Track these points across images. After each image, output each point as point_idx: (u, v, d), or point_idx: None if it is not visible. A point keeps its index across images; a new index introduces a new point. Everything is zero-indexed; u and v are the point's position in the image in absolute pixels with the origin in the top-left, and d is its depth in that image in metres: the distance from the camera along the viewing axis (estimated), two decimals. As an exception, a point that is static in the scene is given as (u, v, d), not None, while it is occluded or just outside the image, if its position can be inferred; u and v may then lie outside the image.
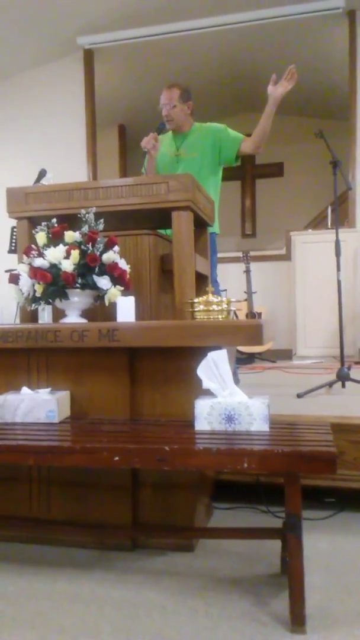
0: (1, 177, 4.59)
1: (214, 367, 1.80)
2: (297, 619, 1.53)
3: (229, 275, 5.30)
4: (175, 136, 3.16)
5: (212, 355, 1.81)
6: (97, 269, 2.09)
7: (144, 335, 1.91)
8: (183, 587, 1.77)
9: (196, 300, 2.06)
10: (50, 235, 2.13)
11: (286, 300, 5.44)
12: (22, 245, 2.33)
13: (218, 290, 3.21)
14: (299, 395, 2.93)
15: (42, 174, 3.08)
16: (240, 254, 5.45)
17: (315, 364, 4.60)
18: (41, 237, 2.14)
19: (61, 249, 2.07)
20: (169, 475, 1.99)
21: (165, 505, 2.02)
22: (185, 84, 3.16)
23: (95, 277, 2.08)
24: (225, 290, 4.25)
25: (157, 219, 2.37)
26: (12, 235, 4.26)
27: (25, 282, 2.13)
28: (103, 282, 2.09)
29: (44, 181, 3.01)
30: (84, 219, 2.13)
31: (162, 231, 2.53)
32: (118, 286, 2.12)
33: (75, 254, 2.05)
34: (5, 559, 1.99)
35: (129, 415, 2.03)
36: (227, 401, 1.77)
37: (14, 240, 4.25)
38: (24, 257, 2.16)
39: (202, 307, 2.03)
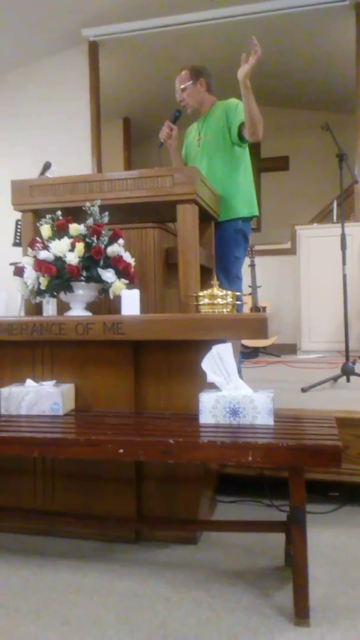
0: (6, 170, 4.58)
1: (218, 361, 1.80)
2: (300, 612, 1.53)
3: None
4: (198, 121, 3.01)
5: (216, 349, 1.80)
6: (101, 262, 2.08)
7: (149, 329, 1.91)
8: (187, 579, 1.78)
9: (201, 293, 2.06)
10: (55, 228, 2.12)
11: (291, 295, 5.42)
12: (26, 238, 2.33)
13: (240, 287, 2.92)
14: (303, 390, 2.93)
15: (46, 166, 3.08)
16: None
17: (320, 359, 4.59)
18: (46, 229, 2.13)
19: (66, 241, 2.07)
20: (173, 468, 1.99)
21: (169, 497, 2.02)
22: (196, 64, 2.99)
23: (100, 270, 2.08)
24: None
25: (162, 211, 2.37)
26: (16, 228, 4.27)
27: (30, 274, 2.13)
28: (108, 275, 2.08)
29: (48, 174, 3.00)
30: (88, 212, 2.13)
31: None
32: (123, 279, 2.12)
33: (80, 246, 2.05)
34: (9, 551, 2.00)
35: (133, 408, 2.03)
36: (232, 394, 1.77)
37: (18, 233, 4.25)
38: (29, 249, 2.16)
39: (206, 300, 2.03)
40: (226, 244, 2.84)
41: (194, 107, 2.97)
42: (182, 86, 2.93)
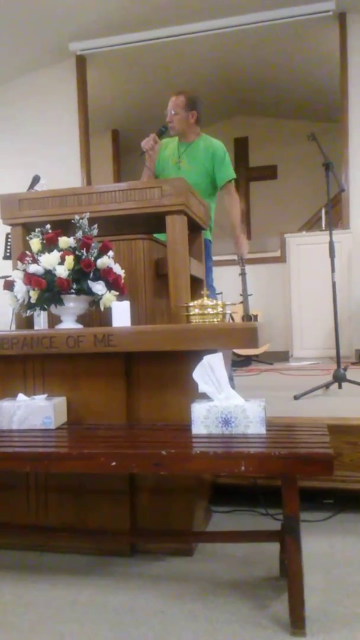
0: (-5, 184, 4.59)
1: (209, 371, 1.80)
2: (297, 622, 1.53)
3: (225, 279, 5.29)
4: (180, 143, 3.14)
5: (207, 359, 1.81)
6: (91, 274, 2.09)
7: (140, 340, 1.91)
8: (182, 591, 1.77)
9: (191, 304, 2.06)
10: (44, 241, 2.13)
11: (282, 302, 5.45)
12: (16, 252, 2.33)
13: (214, 294, 3.22)
14: (295, 397, 2.93)
15: (35, 180, 3.09)
16: (235, 257, 5.44)
17: (311, 366, 4.61)
18: (35, 243, 2.14)
19: (55, 254, 2.07)
20: (166, 480, 1.99)
21: (163, 509, 2.01)
22: (194, 93, 3.13)
23: (90, 283, 2.08)
24: (221, 293, 4.25)
25: (151, 223, 2.38)
26: (6, 241, 4.25)
27: (20, 288, 2.13)
28: (98, 287, 2.09)
29: (37, 187, 3.01)
30: (78, 225, 2.13)
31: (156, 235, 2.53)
32: (113, 291, 2.13)
33: (69, 259, 2.05)
34: (3, 567, 1.98)
35: (125, 420, 2.03)
36: (224, 404, 1.77)
37: (8, 247, 4.24)
38: (19, 263, 2.16)
39: (197, 310, 2.04)
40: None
41: (178, 132, 3.11)
42: (175, 111, 3.05)
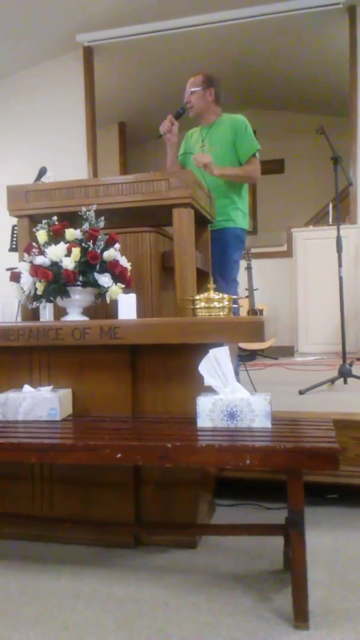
0: (1, 176, 4.59)
1: (215, 364, 1.80)
2: (300, 615, 1.53)
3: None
4: (202, 127, 3.08)
5: (213, 352, 1.80)
6: (98, 267, 2.08)
7: (146, 333, 1.91)
8: (186, 583, 1.77)
9: (197, 297, 2.06)
10: (51, 233, 2.12)
11: (288, 297, 5.43)
12: (22, 244, 2.33)
13: (236, 290, 3.04)
14: (301, 392, 2.93)
15: (42, 171, 3.08)
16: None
17: (317, 361, 4.60)
18: (42, 235, 2.13)
19: (62, 246, 2.07)
20: (171, 472, 1.99)
21: (167, 502, 2.02)
22: (212, 72, 3.06)
23: (96, 275, 2.08)
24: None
25: (158, 216, 2.37)
26: (13, 233, 4.26)
27: (27, 280, 2.13)
28: (104, 279, 2.09)
29: (44, 179, 3.00)
30: (84, 217, 2.13)
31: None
32: (119, 284, 2.12)
33: (76, 251, 2.05)
34: (8, 557, 2.00)
35: (130, 413, 2.03)
36: (229, 398, 1.77)
37: (14, 239, 4.25)
38: (25, 255, 2.15)
39: (203, 304, 2.03)
40: (226, 248, 2.97)
41: (197, 112, 3.04)
42: (192, 89, 2.99)
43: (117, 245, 2.14)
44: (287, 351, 5.18)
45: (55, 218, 2.16)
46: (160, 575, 1.83)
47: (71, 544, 2.05)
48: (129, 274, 2.17)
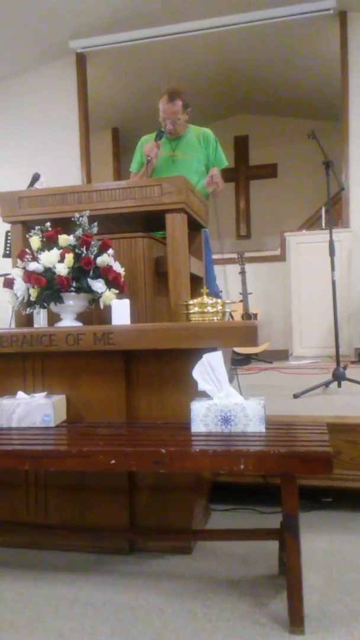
0: (-5, 182, 4.58)
1: (209, 369, 1.80)
2: (295, 620, 1.53)
3: (224, 277, 5.30)
4: (170, 139, 3.18)
5: (207, 357, 1.81)
6: (91, 272, 2.08)
7: (139, 338, 1.91)
8: (181, 589, 1.77)
9: (191, 302, 2.06)
10: (44, 239, 2.12)
11: (281, 301, 5.45)
12: (16, 250, 2.33)
13: (216, 290, 3.21)
14: (295, 396, 2.93)
15: (35, 178, 3.08)
16: (235, 256, 5.46)
17: (311, 364, 4.61)
18: (35, 241, 2.13)
19: (55, 252, 2.07)
20: (166, 478, 1.99)
21: (162, 507, 2.01)
22: (182, 89, 3.17)
23: (89, 281, 2.08)
24: (221, 291, 4.26)
25: (151, 221, 2.38)
26: (6, 239, 4.25)
27: (20, 286, 2.13)
28: (98, 285, 2.09)
29: (37, 185, 3.00)
30: (77, 223, 2.13)
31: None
32: (113, 289, 2.12)
33: (69, 257, 2.05)
34: (2, 564, 1.98)
35: (125, 418, 2.03)
36: (223, 402, 1.77)
37: (8, 245, 4.24)
38: (18, 261, 2.15)
39: (196, 309, 2.04)
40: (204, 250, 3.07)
41: (177, 133, 3.17)
42: (179, 117, 3.09)
43: (110, 251, 2.14)
44: (282, 355, 5.19)
45: (48, 224, 2.16)
46: (155, 581, 1.83)
47: (66, 551, 2.04)
48: (122, 279, 2.17)
